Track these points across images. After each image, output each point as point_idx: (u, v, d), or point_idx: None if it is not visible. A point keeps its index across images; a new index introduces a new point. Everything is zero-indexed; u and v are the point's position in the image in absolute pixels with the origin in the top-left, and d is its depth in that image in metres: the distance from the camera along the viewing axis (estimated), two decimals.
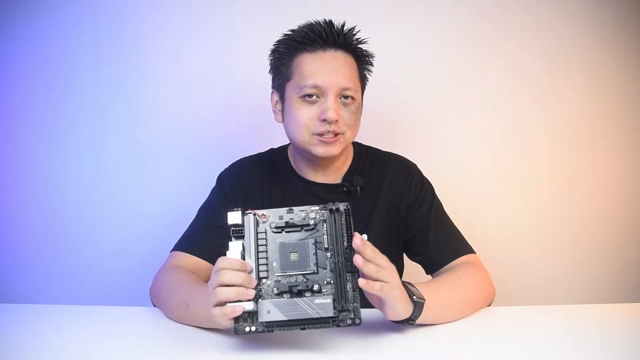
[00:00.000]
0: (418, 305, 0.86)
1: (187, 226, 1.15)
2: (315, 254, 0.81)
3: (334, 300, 0.77)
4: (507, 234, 1.61)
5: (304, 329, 0.77)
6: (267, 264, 0.80)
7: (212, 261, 1.07)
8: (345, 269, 0.79)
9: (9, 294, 1.59)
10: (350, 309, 0.77)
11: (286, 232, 0.82)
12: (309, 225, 0.82)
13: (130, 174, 1.59)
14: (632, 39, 1.56)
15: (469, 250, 1.12)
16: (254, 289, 0.77)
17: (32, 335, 0.91)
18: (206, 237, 1.10)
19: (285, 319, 0.76)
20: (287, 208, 0.83)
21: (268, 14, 1.52)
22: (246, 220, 0.82)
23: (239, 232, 0.82)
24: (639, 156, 1.61)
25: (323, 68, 1.05)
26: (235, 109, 1.56)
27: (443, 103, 1.58)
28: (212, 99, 1.56)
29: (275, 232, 0.82)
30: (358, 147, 1.21)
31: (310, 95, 1.05)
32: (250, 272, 0.79)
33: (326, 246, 0.81)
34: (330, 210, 0.82)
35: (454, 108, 1.58)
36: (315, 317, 0.76)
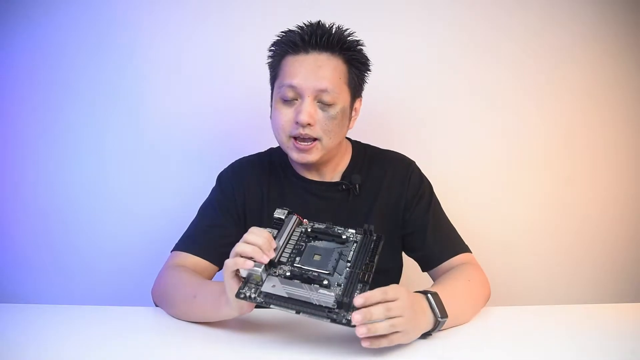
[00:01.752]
0: (440, 324, 0.87)
1: (187, 226, 1.15)
2: (337, 261, 0.84)
3: (336, 298, 0.78)
4: (506, 233, 1.61)
5: (299, 312, 0.78)
6: (290, 255, 0.85)
7: (214, 261, 1.09)
8: (359, 278, 0.81)
9: (9, 294, 1.59)
10: (350, 310, 0.77)
11: (319, 239, 0.88)
12: (341, 238, 0.88)
13: (130, 173, 1.59)
14: (632, 39, 1.56)
15: (465, 249, 1.12)
16: (271, 261, 0.81)
17: (32, 335, 0.91)
18: (207, 236, 1.11)
19: (286, 295, 0.79)
20: (328, 223, 0.91)
21: (268, 14, 1.52)
22: (288, 219, 0.89)
23: (277, 225, 0.88)
24: (639, 156, 1.61)
25: (301, 69, 1.04)
26: (234, 108, 1.56)
27: (442, 102, 1.58)
28: (211, 98, 1.56)
29: (310, 236, 0.89)
30: (356, 145, 1.21)
31: (288, 96, 1.05)
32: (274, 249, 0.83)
33: (349, 259, 0.85)
34: (364, 232, 0.88)
35: (453, 107, 1.58)
36: (313, 303, 0.78)
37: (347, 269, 0.83)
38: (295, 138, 1.05)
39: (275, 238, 0.85)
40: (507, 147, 1.60)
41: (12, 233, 1.60)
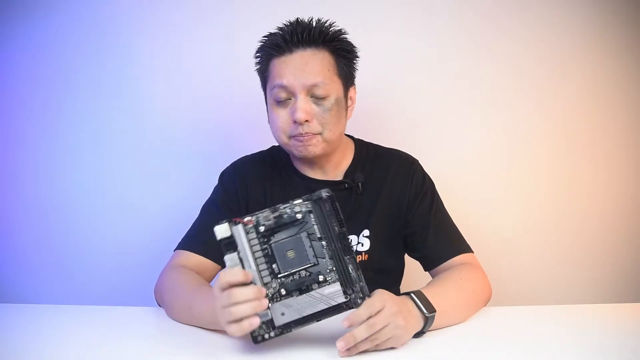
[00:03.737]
0: (430, 320, 0.87)
1: (189, 225, 1.15)
2: (311, 246, 0.81)
3: (341, 285, 0.79)
4: (507, 233, 1.61)
5: (319, 320, 0.79)
6: (267, 269, 0.80)
7: (217, 260, 1.09)
8: (343, 253, 0.80)
9: (9, 294, 1.59)
10: (358, 289, 0.79)
11: (277, 232, 0.82)
12: (297, 220, 0.82)
13: (131, 173, 1.59)
14: (632, 39, 1.56)
15: (467, 249, 1.12)
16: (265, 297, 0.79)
17: (32, 335, 0.91)
18: (210, 235, 1.10)
19: (300, 317, 0.78)
20: (271, 208, 0.82)
21: (268, 14, 1.51)
22: (235, 231, 0.80)
23: (230, 244, 0.80)
24: (639, 156, 1.61)
25: (288, 69, 1.04)
26: (236, 107, 1.56)
27: (443, 102, 1.58)
28: (213, 97, 1.56)
29: (267, 235, 0.81)
30: (359, 144, 1.21)
31: (281, 97, 1.05)
32: (252, 282, 0.79)
33: (319, 236, 0.82)
34: (315, 201, 0.82)
35: (453, 107, 1.58)
36: (327, 307, 0.79)
37: (324, 248, 0.81)
38: (294, 136, 1.06)
39: (242, 263, 0.79)
40: (507, 146, 1.60)
41: (12, 233, 1.60)
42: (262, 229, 0.81)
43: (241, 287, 0.77)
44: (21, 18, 1.54)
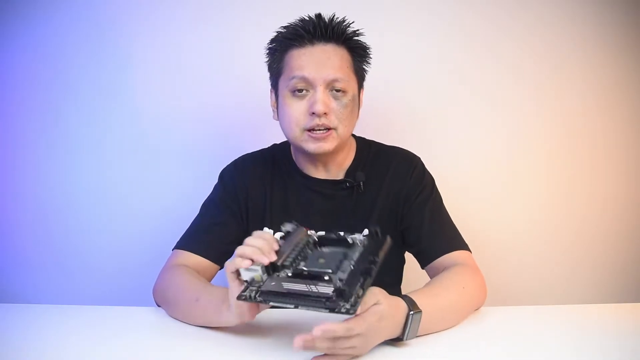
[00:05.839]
0: (401, 340, 0.83)
1: (188, 224, 1.15)
2: (341, 261, 0.80)
3: (336, 286, 0.74)
4: (507, 233, 1.61)
5: (297, 307, 0.75)
6: (295, 259, 0.82)
7: (215, 260, 1.09)
8: (361, 274, 0.77)
9: (9, 294, 1.59)
10: (351, 301, 0.73)
11: (325, 245, 0.85)
12: (347, 242, 0.84)
13: (130, 172, 1.59)
14: (632, 39, 1.56)
15: (462, 246, 1.09)
16: (275, 265, 0.79)
17: (32, 335, 0.91)
18: (209, 235, 1.10)
19: (284, 290, 0.76)
20: (336, 232, 0.86)
21: (268, 13, 1.52)
22: (297, 230, 0.86)
23: (286, 235, 0.86)
24: (639, 156, 1.61)
25: (311, 61, 1.04)
26: (236, 105, 1.56)
27: (442, 102, 1.58)
28: (213, 96, 1.56)
29: (317, 244, 0.86)
30: (361, 142, 1.21)
31: (299, 90, 1.04)
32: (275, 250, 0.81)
33: (353, 259, 0.80)
34: (370, 233, 0.84)
35: (453, 107, 1.58)
36: (312, 295, 0.74)
37: (351, 267, 0.79)
38: (309, 130, 1.05)
39: (280, 245, 0.83)
40: (507, 147, 1.60)
41: (12, 233, 1.60)
42: (316, 238, 0.86)
43: (258, 238, 0.81)
44: (21, 18, 1.54)
